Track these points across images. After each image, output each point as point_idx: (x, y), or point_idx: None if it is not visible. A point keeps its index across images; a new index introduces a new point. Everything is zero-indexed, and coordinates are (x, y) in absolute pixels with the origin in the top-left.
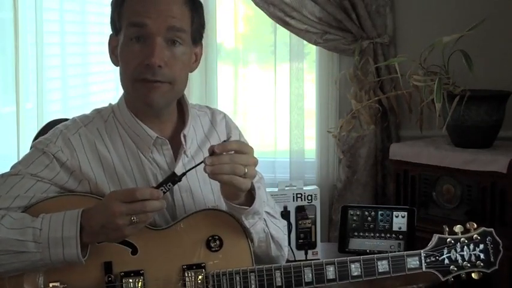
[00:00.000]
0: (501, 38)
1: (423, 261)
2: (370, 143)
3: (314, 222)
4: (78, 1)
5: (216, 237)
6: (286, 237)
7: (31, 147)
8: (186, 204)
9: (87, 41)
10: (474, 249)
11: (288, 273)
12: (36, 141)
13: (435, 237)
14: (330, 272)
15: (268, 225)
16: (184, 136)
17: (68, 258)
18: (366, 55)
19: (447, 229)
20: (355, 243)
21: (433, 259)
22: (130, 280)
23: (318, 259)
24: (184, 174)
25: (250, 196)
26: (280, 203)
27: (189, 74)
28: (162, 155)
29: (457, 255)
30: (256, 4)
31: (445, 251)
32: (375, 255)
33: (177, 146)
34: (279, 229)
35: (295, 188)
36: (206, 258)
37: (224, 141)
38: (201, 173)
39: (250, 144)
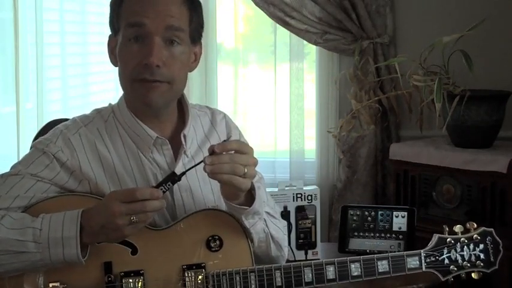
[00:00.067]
0: (501, 38)
1: (423, 261)
2: (370, 143)
3: (314, 222)
4: (78, 1)
5: (216, 237)
6: (286, 237)
7: (31, 147)
8: (186, 204)
9: (87, 41)
10: (474, 249)
11: (288, 273)
12: (36, 141)
13: (435, 237)
14: (330, 272)
15: (268, 225)
16: (185, 136)
17: (68, 259)
18: (366, 55)
19: (447, 229)
20: (355, 243)
21: (433, 259)
22: (130, 280)
23: (318, 259)
24: (184, 173)
25: (250, 196)
26: (280, 203)
27: (189, 74)
28: (162, 155)
29: (457, 255)
30: (256, 4)
31: (445, 251)
32: (375, 255)
33: (177, 146)
34: (279, 229)
35: (295, 188)
36: (206, 258)
37: (224, 141)
38: (201, 173)
39: (250, 144)
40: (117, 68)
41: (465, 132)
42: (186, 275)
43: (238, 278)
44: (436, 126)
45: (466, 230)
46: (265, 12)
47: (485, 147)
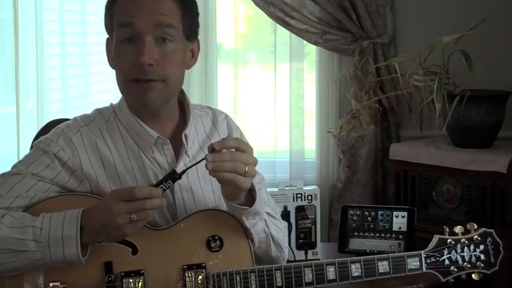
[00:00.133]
0: (501, 38)
1: (423, 262)
2: (370, 143)
3: (314, 222)
4: (78, 1)
5: (217, 237)
6: (286, 238)
7: (32, 147)
8: (187, 204)
9: (87, 41)
10: (474, 250)
11: (289, 274)
12: (38, 140)
13: (435, 238)
14: (331, 272)
15: (269, 225)
16: (186, 136)
17: (68, 258)
18: (366, 55)
19: (447, 230)
20: (355, 243)
21: (434, 260)
22: (131, 280)
23: (318, 259)
24: (184, 171)
25: (250, 196)
26: (280, 203)
27: (189, 74)
28: (163, 154)
29: (458, 256)
30: (256, 4)
31: (446, 251)
32: (375, 256)
33: (178, 146)
34: (280, 230)
35: (295, 188)
36: (206, 258)
37: (223, 138)
38: (202, 173)
39: (250, 144)
40: None
41: (465, 132)
42: (187, 275)
43: (238, 278)
44: (436, 126)
45: (466, 231)
46: (265, 12)
47: (485, 147)
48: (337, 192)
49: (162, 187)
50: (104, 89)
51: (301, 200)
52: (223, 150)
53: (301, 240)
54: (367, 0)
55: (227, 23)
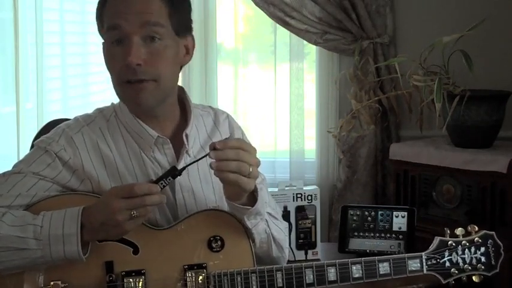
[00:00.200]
0: (501, 38)
1: (424, 263)
2: (370, 143)
3: (314, 222)
4: (78, 1)
5: (218, 237)
6: (287, 238)
7: (33, 146)
8: (188, 204)
9: (87, 41)
10: (475, 252)
11: (289, 274)
12: (39, 140)
13: (436, 240)
14: (331, 273)
15: (270, 226)
16: (186, 135)
17: (69, 256)
18: (366, 55)
19: (448, 232)
20: (355, 243)
21: (434, 262)
22: (132, 280)
23: (318, 259)
24: (184, 168)
25: (252, 197)
26: (280, 203)
27: (189, 74)
28: (164, 154)
29: (458, 258)
30: (256, 4)
31: (446, 253)
32: (376, 257)
33: (179, 146)
34: (281, 230)
35: (295, 188)
36: (207, 258)
37: (225, 138)
38: (203, 173)
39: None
40: None
41: (465, 132)
42: (187, 275)
43: (239, 279)
44: (436, 126)
45: (467, 233)
46: (265, 12)
47: (485, 147)
48: (337, 192)
49: (162, 183)
50: (104, 89)
51: (301, 200)
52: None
53: (301, 240)
54: (367, 0)
55: (227, 23)
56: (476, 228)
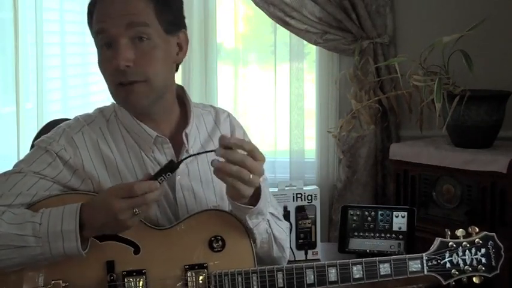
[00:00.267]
0: (501, 38)
1: (425, 264)
2: (370, 143)
3: (314, 222)
4: (78, 1)
5: (219, 237)
6: (288, 238)
7: (33, 146)
8: (188, 204)
9: (87, 41)
10: (476, 254)
11: (290, 275)
12: (39, 139)
13: (437, 241)
14: (332, 274)
15: (272, 226)
16: (186, 135)
17: (68, 252)
18: (366, 55)
19: (449, 233)
20: (355, 243)
21: (435, 263)
22: (132, 279)
23: (318, 259)
24: (182, 160)
25: (255, 196)
26: (280, 203)
27: (189, 74)
28: (163, 153)
29: (459, 259)
30: (256, 4)
31: (447, 254)
32: (377, 258)
33: (179, 145)
34: (282, 230)
35: (295, 188)
36: (208, 258)
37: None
38: (203, 173)
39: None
40: None
41: (465, 132)
42: (188, 275)
43: (240, 279)
44: (436, 126)
45: (468, 234)
46: (265, 12)
47: (485, 147)
48: (337, 192)
49: (161, 179)
50: (104, 89)
51: (301, 200)
52: (237, 150)
53: (301, 240)
54: (367, 0)
55: (227, 23)
56: (477, 230)
